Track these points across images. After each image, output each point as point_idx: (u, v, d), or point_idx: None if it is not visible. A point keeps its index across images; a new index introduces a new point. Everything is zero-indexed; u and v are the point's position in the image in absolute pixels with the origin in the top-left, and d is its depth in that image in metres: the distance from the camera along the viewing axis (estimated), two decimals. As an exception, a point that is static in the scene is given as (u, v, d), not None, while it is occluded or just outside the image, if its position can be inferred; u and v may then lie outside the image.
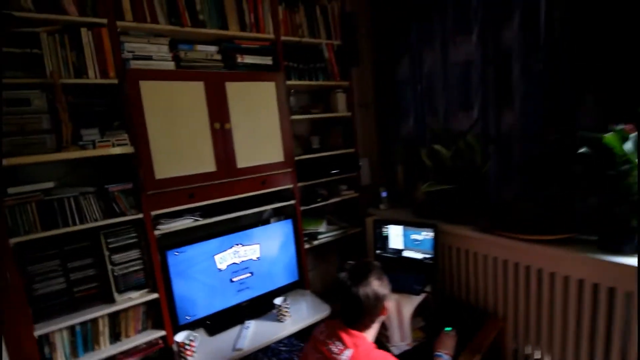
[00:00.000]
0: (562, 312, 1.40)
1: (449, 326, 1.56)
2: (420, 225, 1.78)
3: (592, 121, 1.35)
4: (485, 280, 1.69)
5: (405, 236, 1.85)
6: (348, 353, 1.02)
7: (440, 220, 1.80)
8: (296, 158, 1.95)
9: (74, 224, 1.39)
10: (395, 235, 1.89)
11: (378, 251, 1.96)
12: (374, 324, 1.13)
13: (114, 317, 1.54)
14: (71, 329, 1.44)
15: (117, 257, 1.50)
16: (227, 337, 1.65)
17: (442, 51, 1.95)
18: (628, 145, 1.09)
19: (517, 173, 1.65)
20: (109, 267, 1.49)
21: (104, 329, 1.51)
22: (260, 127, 1.77)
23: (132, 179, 1.49)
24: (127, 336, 1.57)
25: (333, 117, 2.20)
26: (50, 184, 1.38)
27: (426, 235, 1.76)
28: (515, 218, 1.49)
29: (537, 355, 1.54)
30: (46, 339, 1.39)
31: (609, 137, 1.11)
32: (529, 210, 1.47)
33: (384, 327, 1.63)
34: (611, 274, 1.22)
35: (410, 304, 1.62)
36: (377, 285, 1.10)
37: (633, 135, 1.14)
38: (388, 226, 1.91)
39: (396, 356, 1.57)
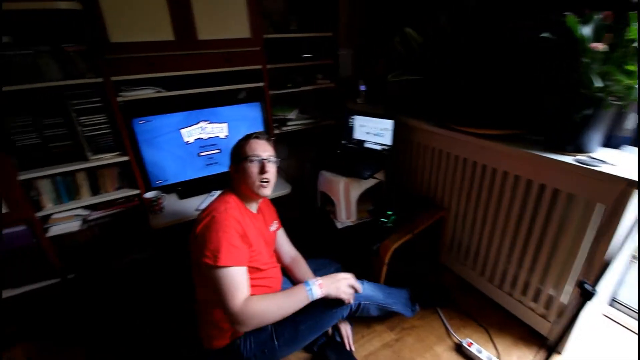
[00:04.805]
0: (496, 206, 1.49)
1: (391, 210, 1.71)
2: (382, 116, 1.78)
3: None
4: (437, 173, 1.76)
5: (368, 128, 1.86)
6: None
7: (405, 114, 1.78)
8: (266, 37, 1.85)
9: (36, 81, 1.45)
10: (360, 127, 1.91)
11: (344, 141, 2.01)
12: (233, 180, 1.23)
13: (92, 173, 1.72)
14: (52, 178, 1.64)
15: (84, 120, 1.60)
16: (194, 202, 1.85)
17: None
18: (586, 30, 0.98)
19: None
20: (78, 128, 1.60)
21: (83, 182, 1.71)
22: (223, -5, 1.64)
23: (86, 41, 1.47)
24: (106, 191, 1.79)
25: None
26: (7, 39, 1.39)
27: (386, 127, 1.77)
28: (470, 113, 1.46)
29: (470, 244, 1.70)
30: (30, 184, 1.60)
31: (569, 18, 0.99)
32: (484, 107, 1.42)
33: (332, 204, 1.79)
34: (553, 174, 1.22)
35: (358, 187, 1.74)
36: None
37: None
38: (354, 117, 1.91)
39: (339, 229, 1.77)
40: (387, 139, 1.79)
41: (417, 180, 1.90)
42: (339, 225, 1.76)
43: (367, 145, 1.89)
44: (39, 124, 1.55)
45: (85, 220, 1.76)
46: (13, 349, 1.29)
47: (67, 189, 1.70)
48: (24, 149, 1.56)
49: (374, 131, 1.84)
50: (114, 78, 1.56)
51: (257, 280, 1.17)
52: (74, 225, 1.71)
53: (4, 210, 1.53)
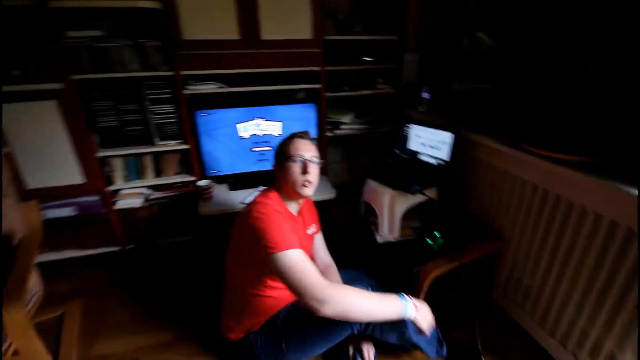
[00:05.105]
0: (568, 248, 1.25)
1: (439, 232, 1.55)
2: (440, 127, 1.63)
3: None
4: (499, 197, 1.54)
5: (424, 139, 1.72)
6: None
7: (469, 127, 1.60)
8: (327, 38, 1.82)
9: (120, 71, 1.63)
10: (415, 137, 1.77)
11: (397, 151, 1.89)
12: (277, 179, 1.21)
13: (156, 157, 1.90)
14: (125, 158, 1.84)
15: (155, 108, 1.76)
16: (242, 194, 1.91)
17: None
18: None
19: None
20: (150, 115, 1.77)
21: (149, 164, 1.89)
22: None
23: (162, 37, 1.62)
24: (166, 175, 1.95)
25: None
26: (98, 32, 1.59)
27: (444, 140, 1.61)
28: (546, 132, 1.24)
29: (532, 285, 1.46)
30: (106, 161, 1.81)
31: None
32: (563, 126, 1.20)
33: (375, 216, 1.70)
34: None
35: (405, 201, 1.61)
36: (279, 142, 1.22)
37: None
38: (410, 125, 1.79)
39: (379, 244, 1.67)
40: (444, 153, 1.63)
41: (474, 202, 1.70)
42: (379, 240, 1.66)
43: (421, 157, 1.75)
44: (118, 109, 1.75)
45: (147, 199, 1.94)
46: (68, 303, 1.47)
47: (135, 169, 1.89)
48: (105, 130, 1.77)
49: (430, 143, 1.69)
50: (182, 72, 1.69)
51: None
52: (137, 202, 1.90)
53: (82, 181, 1.75)
